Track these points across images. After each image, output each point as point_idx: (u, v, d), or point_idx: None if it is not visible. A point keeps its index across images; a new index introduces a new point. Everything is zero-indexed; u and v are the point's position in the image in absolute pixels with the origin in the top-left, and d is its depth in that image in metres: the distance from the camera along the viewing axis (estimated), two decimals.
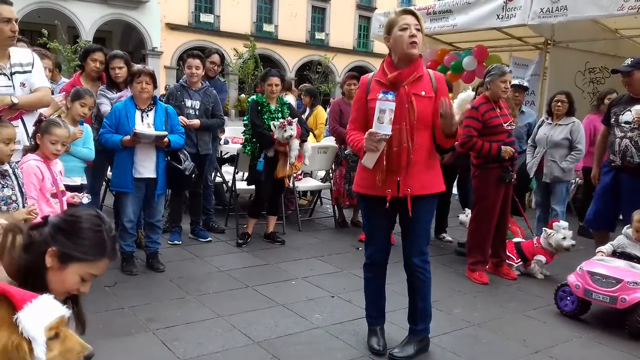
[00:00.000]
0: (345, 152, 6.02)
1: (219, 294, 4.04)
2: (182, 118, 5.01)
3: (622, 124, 4.64)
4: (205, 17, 33.20)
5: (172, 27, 31.52)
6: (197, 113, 5.27)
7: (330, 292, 4.19)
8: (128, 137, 4.23)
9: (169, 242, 5.26)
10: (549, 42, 7.76)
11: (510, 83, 4.65)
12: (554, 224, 4.75)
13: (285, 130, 5.04)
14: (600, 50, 8.14)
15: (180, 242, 5.30)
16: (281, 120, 5.11)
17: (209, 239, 5.51)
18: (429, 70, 3.08)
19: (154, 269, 4.50)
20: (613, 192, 4.74)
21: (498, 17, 7.23)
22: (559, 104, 5.50)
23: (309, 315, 3.70)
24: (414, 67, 2.92)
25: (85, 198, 3.61)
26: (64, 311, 1.47)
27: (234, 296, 4.02)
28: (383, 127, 2.75)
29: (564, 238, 4.62)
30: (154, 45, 30.51)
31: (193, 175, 4.67)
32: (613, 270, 3.74)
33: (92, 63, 4.83)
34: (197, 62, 5.25)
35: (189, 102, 5.26)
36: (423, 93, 2.93)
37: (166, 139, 4.35)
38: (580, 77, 8.12)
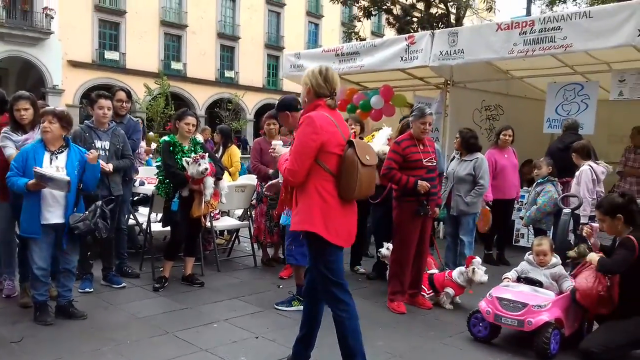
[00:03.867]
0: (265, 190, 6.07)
1: (137, 343, 3.88)
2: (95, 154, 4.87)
3: None
4: (110, 55, 32.41)
5: (75, 64, 30.45)
6: (107, 154, 5.10)
7: (254, 332, 4.14)
8: (33, 181, 4.03)
9: (80, 290, 4.99)
10: (448, 82, 8.32)
11: (431, 124, 4.90)
12: (473, 260, 4.90)
13: (199, 164, 5.01)
14: (494, 90, 8.84)
15: (92, 290, 5.05)
16: (193, 155, 5.09)
17: (123, 284, 5.28)
18: None
19: (76, 317, 4.30)
20: None
21: (402, 59, 7.67)
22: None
23: (234, 359, 3.64)
24: None
25: None
26: None
27: (154, 344, 3.88)
28: None
29: (485, 274, 4.80)
30: (54, 83, 29.24)
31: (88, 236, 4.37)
32: (519, 295, 4.02)
33: None
34: (108, 102, 5.13)
35: (98, 144, 5.08)
36: None
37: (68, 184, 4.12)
38: (478, 115, 8.75)
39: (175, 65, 35.24)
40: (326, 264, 3.17)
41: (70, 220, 4.22)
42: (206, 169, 5.03)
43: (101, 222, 4.35)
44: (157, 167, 5.42)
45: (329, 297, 3.20)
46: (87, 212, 4.32)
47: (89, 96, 5.27)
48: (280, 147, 3.68)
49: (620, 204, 3.91)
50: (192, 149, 5.30)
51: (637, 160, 6.81)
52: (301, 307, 4.19)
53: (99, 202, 4.43)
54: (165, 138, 5.40)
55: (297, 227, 3.19)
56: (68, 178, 4.10)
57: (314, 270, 3.27)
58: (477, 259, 4.92)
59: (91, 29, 31.59)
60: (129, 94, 5.91)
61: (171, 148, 5.21)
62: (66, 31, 29.66)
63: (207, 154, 5.21)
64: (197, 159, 5.02)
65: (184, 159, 5.10)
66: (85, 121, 5.38)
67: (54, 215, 4.20)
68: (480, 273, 4.79)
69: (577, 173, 5.56)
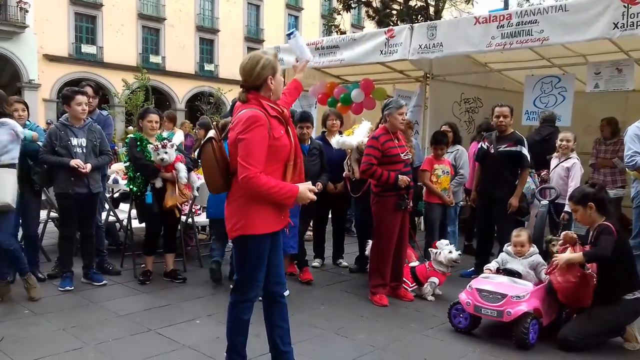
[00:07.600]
0: None
1: (119, 341, 3.86)
2: (76, 161, 4.86)
3: None
4: (86, 49, 31.92)
5: (51, 58, 29.93)
6: (84, 151, 5.04)
7: None
8: None
9: (60, 288, 4.97)
10: (428, 75, 8.37)
11: (405, 115, 4.99)
12: (437, 243, 5.08)
13: (158, 153, 5.07)
14: (473, 82, 8.91)
15: (72, 288, 5.01)
16: (155, 144, 5.13)
17: (104, 282, 5.25)
18: None
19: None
20: None
21: (381, 53, 7.68)
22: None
23: (218, 356, 3.63)
24: None
25: None
26: None
27: (137, 342, 3.86)
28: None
29: (450, 252, 4.95)
30: (30, 78, 28.71)
31: None
32: (498, 286, 4.08)
33: None
34: (85, 98, 5.08)
35: (75, 141, 5.01)
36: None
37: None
38: (457, 107, 8.81)
39: (153, 59, 34.86)
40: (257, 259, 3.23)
41: None
42: (162, 160, 5.06)
43: None
44: (126, 167, 5.40)
45: None
46: None
47: (63, 93, 5.20)
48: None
49: (591, 193, 4.03)
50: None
51: (607, 152, 6.92)
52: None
53: None
54: (131, 135, 5.43)
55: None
56: None
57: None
58: (443, 240, 5.13)
59: (67, 22, 31.08)
60: (96, 90, 5.88)
61: (138, 143, 5.23)
62: (41, 25, 29.15)
63: (170, 144, 5.18)
64: (157, 148, 5.08)
65: (149, 146, 5.16)
66: (60, 119, 5.30)
67: None
68: (446, 252, 4.97)
69: (566, 165, 5.74)
